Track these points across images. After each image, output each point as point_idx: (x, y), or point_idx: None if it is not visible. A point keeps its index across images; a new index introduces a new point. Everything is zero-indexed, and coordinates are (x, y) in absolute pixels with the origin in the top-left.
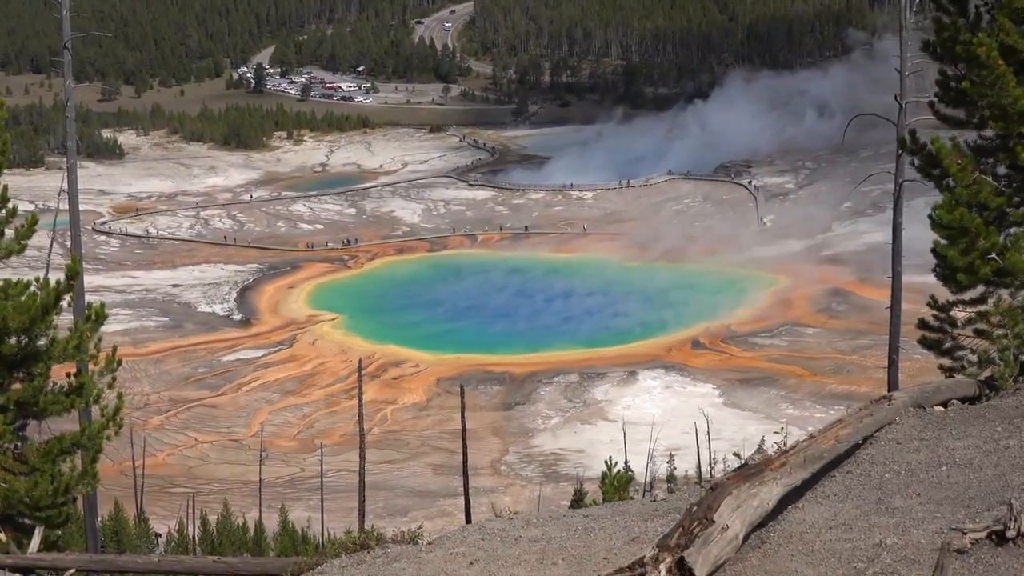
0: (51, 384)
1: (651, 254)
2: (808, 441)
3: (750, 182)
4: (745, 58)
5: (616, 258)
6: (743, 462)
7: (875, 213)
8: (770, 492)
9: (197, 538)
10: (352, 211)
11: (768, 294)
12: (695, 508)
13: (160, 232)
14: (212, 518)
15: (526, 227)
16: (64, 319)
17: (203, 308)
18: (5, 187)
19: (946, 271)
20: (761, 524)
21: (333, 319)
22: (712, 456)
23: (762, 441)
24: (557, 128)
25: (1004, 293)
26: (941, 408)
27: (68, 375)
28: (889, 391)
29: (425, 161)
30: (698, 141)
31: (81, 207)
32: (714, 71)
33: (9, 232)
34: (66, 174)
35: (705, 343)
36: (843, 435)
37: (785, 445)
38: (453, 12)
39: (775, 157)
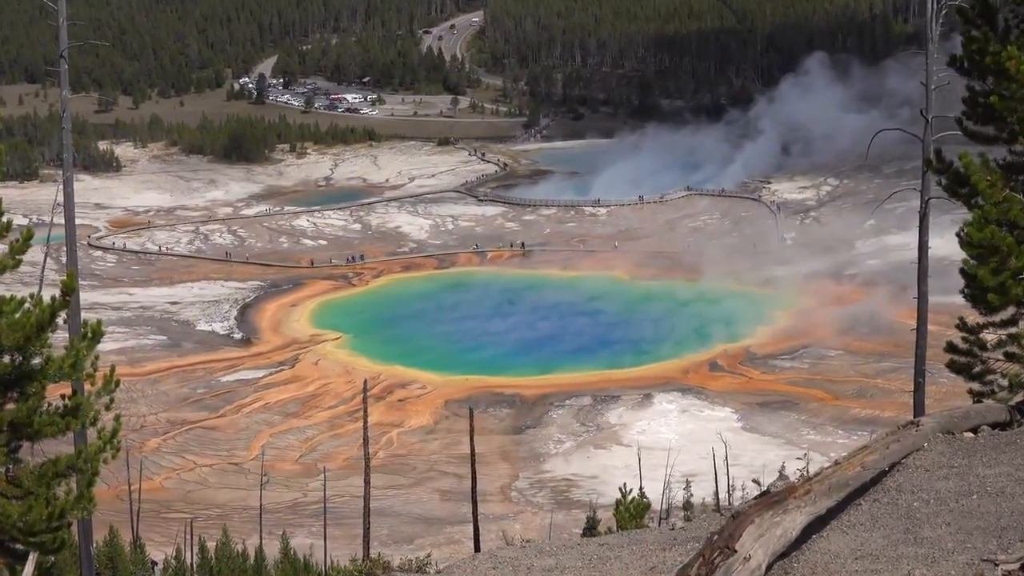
0: (46, 404)
1: (667, 272)
2: (833, 468)
3: (773, 203)
4: (764, 70)
5: (631, 276)
6: (765, 489)
7: (900, 231)
8: (794, 521)
9: (195, 566)
10: (357, 227)
11: (789, 314)
12: (716, 537)
13: (158, 248)
14: (211, 544)
15: (522, 244)
16: (59, 337)
17: (202, 326)
18: None
19: (975, 291)
20: (784, 554)
21: (337, 338)
22: (731, 483)
23: (782, 467)
24: (570, 142)
25: None
26: (971, 434)
27: (63, 396)
28: (916, 416)
29: (433, 175)
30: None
31: (77, 221)
32: (732, 82)
33: (2, 247)
34: (62, 187)
35: (723, 365)
36: (869, 462)
37: (808, 472)
38: (454, 27)
39: (795, 173)
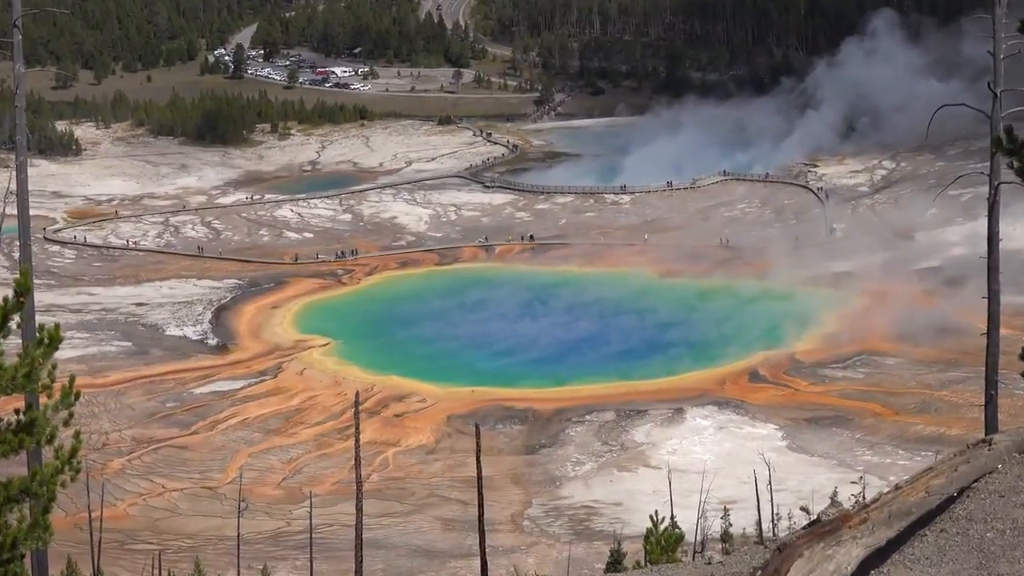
0: None
1: (700, 269)
2: (893, 493)
3: (819, 188)
4: (808, 37)
5: (658, 273)
6: (815, 518)
7: (966, 220)
8: (849, 554)
9: None
10: (347, 217)
11: (840, 317)
12: (759, 573)
13: (123, 242)
14: None
15: (531, 236)
16: (12, 344)
17: (172, 331)
18: None
19: None
20: None
21: (325, 344)
22: (775, 510)
23: (835, 493)
24: (589, 120)
25: None
26: None
27: (16, 410)
28: (988, 433)
29: (433, 159)
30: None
31: (31, 212)
32: (772, 52)
33: None
34: (14, 173)
35: (765, 375)
36: (934, 486)
37: (864, 497)
38: None
39: (846, 155)
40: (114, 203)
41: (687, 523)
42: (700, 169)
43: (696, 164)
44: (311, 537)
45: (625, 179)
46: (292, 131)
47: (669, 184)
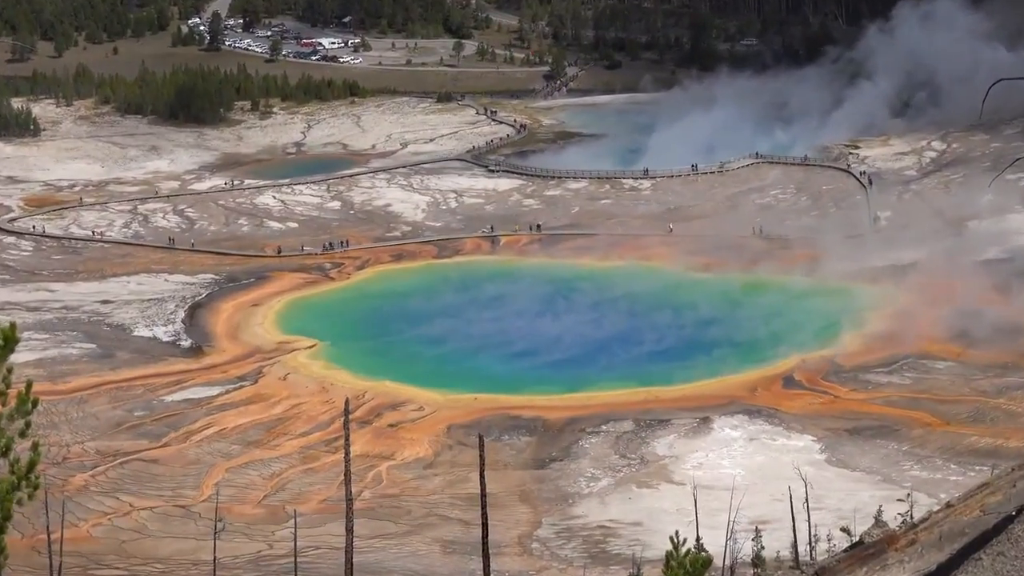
0: None
1: (729, 262)
2: (944, 512)
3: (862, 172)
4: (849, 3)
5: (683, 267)
6: (858, 539)
7: None
8: None
9: None
10: (336, 205)
11: (884, 315)
12: None
13: (86, 232)
14: None
15: (537, 226)
16: None
17: (141, 332)
18: None
19: None
20: None
21: (311, 347)
22: (813, 531)
23: (879, 512)
24: (604, 97)
25: None
26: None
27: None
28: None
29: (431, 140)
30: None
31: None
32: (808, 20)
33: None
34: None
35: (801, 380)
36: (990, 504)
37: (911, 517)
38: None
39: (891, 135)
40: (76, 189)
41: (715, 545)
42: (736, 150)
43: (731, 144)
44: (295, 561)
45: (648, 162)
46: (275, 109)
47: (694, 168)
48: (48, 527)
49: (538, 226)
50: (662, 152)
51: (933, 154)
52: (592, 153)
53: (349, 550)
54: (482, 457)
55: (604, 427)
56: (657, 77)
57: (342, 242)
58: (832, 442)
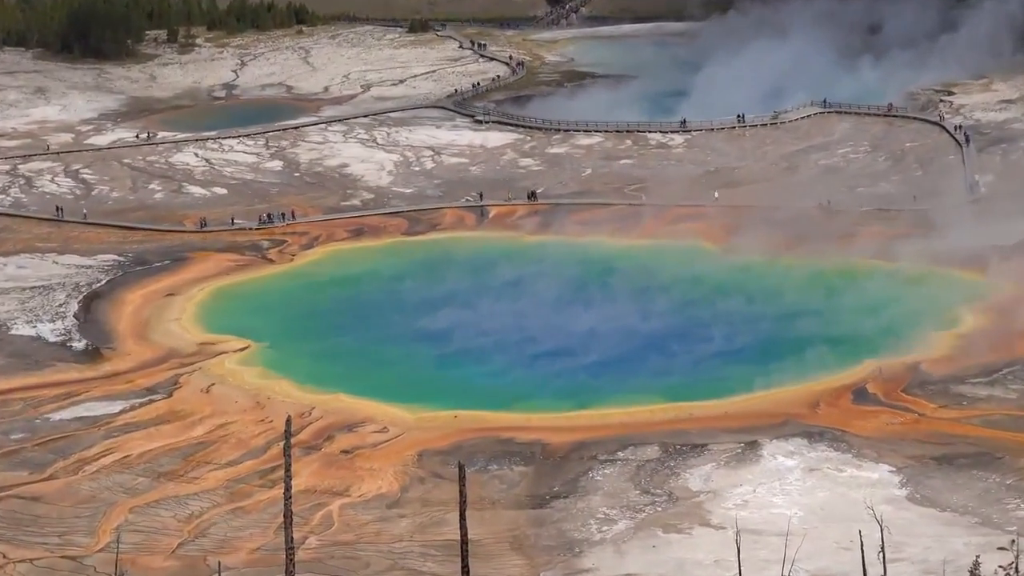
0: None
1: (783, 241)
2: None
3: (957, 126)
4: None
5: (720, 248)
6: None
7: None
8: None
9: None
10: (276, 165)
11: (984, 310)
12: None
13: None
14: None
15: (532, 194)
16: None
17: (21, 329)
18: None
19: None
20: None
21: (243, 349)
22: None
23: (976, 563)
24: (629, 26)
25: None
26: None
27: None
28: None
29: (401, 81)
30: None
31: None
32: None
33: None
34: None
35: (876, 393)
36: None
37: (1017, 570)
38: None
39: (993, 78)
40: None
41: None
42: (811, 94)
43: (805, 86)
44: None
45: (688, 112)
46: (198, 41)
47: (740, 119)
48: None
49: (533, 194)
50: (709, 99)
51: None
52: (610, 99)
53: None
54: (463, 493)
55: (621, 454)
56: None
57: (284, 214)
58: (916, 474)
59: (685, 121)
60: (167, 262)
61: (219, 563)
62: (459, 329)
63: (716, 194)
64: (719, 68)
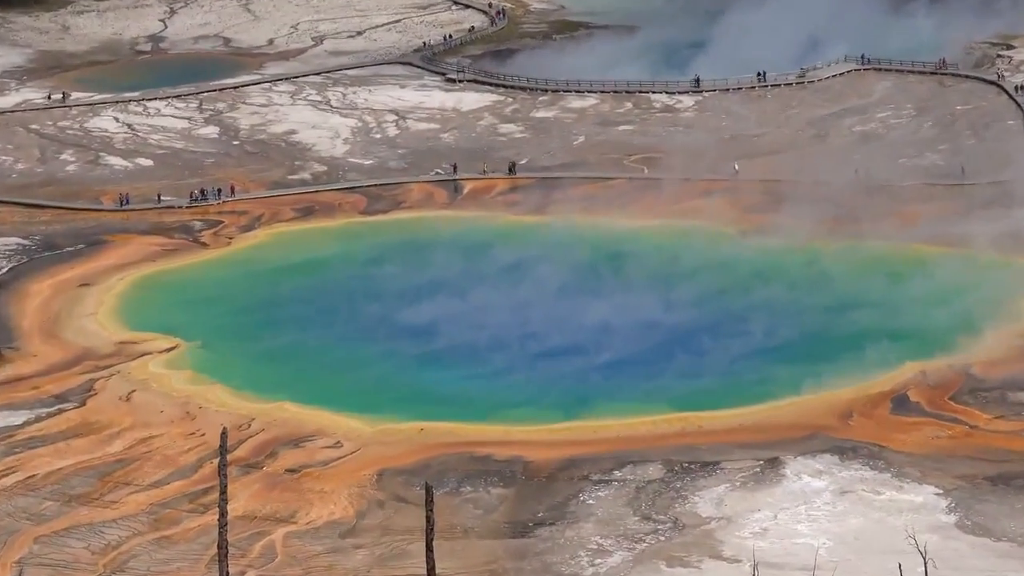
0: None
1: (808, 222)
2: None
3: (1018, 87)
4: None
5: (737, 231)
6: None
7: None
8: None
9: None
10: (212, 132)
11: None
12: None
13: None
14: None
15: (511, 166)
16: None
17: None
18: None
19: None
20: None
21: (170, 349)
22: None
23: None
24: None
25: None
26: None
27: None
28: None
29: (360, 33)
30: None
31: None
32: None
33: None
34: None
35: (920, 402)
36: None
37: None
38: None
39: None
40: None
41: None
42: (854, 46)
43: (846, 38)
44: None
45: (703, 69)
46: None
47: (760, 78)
48: None
49: (513, 166)
50: (730, 54)
51: None
52: (608, 54)
53: None
54: (430, 519)
55: (618, 473)
56: None
57: (220, 190)
58: (966, 496)
59: (699, 80)
60: (81, 247)
61: None
62: (427, 327)
63: (736, 166)
64: (744, 15)
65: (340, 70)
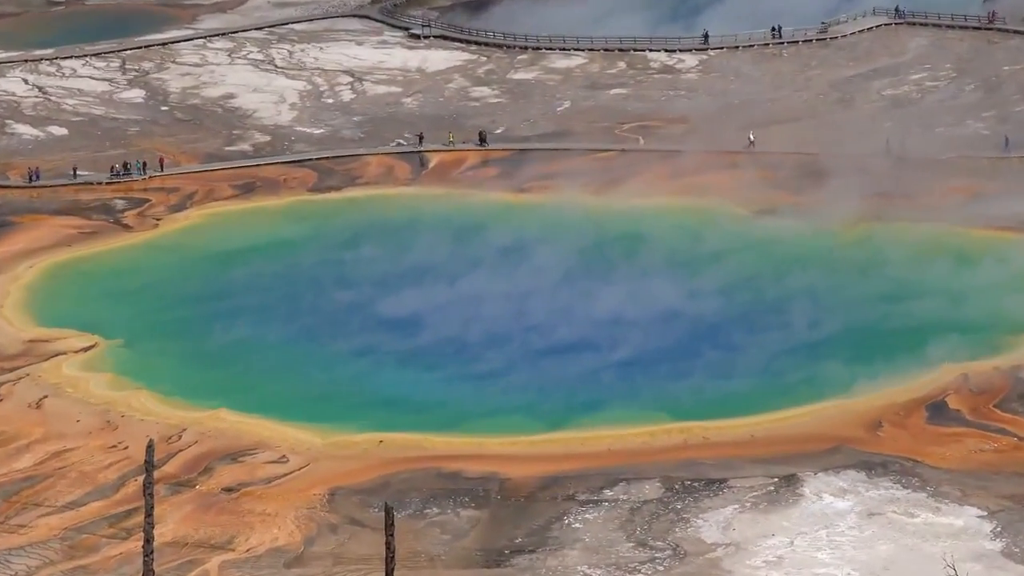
0: None
1: (831, 204)
2: None
3: None
4: None
5: (750, 211)
6: None
7: None
8: None
9: None
10: (137, 95)
11: None
12: None
13: None
14: None
15: (481, 136)
16: None
17: None
18: None
19: None
20: None
21: (87, 348)
22: None
23: None
24: None
25: None
26: None
27: None
28: None
29: None
30: None
31: None
32: None
33: None
34: None
35: (959, 409)
36: None
37: None
38: None
39: None
40: None
41: None
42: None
43: None
44: None
45: (713, 23)
46: None
47: (775, 33)
48: None
49: (481, 136)
50: (747, 5)
51: None
52: (601, 4)
53: None
54: (390, 546)
55: (609, 492)
56: None
57: (146, 163)
58: (1014, 519)
59: (707, 36)
60: None
61: None
62: (385, 323)
63: (752, 136)
64: None
65: (286, 24)
